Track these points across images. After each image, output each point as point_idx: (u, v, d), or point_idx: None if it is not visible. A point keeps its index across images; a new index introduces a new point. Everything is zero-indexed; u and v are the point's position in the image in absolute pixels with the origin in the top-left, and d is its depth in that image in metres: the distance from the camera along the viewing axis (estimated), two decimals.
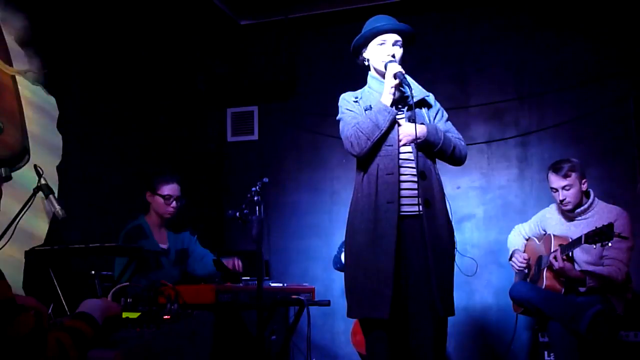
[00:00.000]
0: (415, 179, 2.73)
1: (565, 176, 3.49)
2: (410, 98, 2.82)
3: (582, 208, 3.52)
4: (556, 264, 3.30)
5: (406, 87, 2.71)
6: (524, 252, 3.84)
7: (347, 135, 2.79)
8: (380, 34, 2.83)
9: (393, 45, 2.82)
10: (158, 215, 3.72)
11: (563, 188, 3.50)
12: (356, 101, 2.87)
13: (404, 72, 2.74)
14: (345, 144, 2.80)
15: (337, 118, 2.91)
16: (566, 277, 3.36)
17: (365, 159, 2.79)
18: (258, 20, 5.23)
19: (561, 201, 3.54)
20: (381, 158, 2.74)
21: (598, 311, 3.19)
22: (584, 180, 3.51)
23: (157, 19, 4.59)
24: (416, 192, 2.72)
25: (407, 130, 2.74)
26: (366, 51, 2.90)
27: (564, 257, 3.30)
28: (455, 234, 2.87)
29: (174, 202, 3.70)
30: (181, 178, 3.84)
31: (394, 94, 2.75)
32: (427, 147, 2.77)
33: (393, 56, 2.79)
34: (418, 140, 2.72)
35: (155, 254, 3.50)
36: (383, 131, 2.71)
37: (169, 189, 3.69)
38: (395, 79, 2.72)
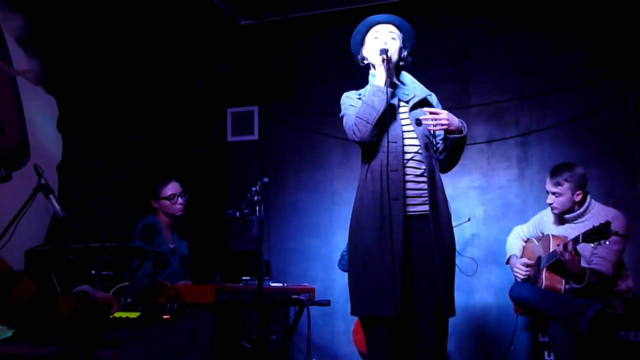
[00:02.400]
0: (419, 178, 2.74)
1: (557, 184, 3.51)
2: (410, 96, 2.83)
3: (572, 215, 3.54)
4: (566, 255, 3.26)
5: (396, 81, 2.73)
6: (523, 254, 3.83)
7: (349, 125, 2.79)
8: (372, 26, 2.87)
9: (387, 35, 2.84)
10: (169, 217, 3.85)
11: (553, 194, 3.53)
12: (359, 98, 2.87)
13: (387, 48, 2.76)
14: (349, 134, 2.80)
15: (340, 115, 2.91)
16: (570, 270, 3.31)
17: (368, 153, 2.79)
18: (258, 20, 5.23)
19: (549, 204, 3.58)
20: (384, 154, 2.73)
21: (598, 311, 3.19)
22: (578, 192, 3.50)
23: (157, 19, 4.59)
24: (420, 191, 2.73)
25: (453, 121, 2.72)
26: (364, 49, 2.92)
27: (573, 250, 3.27)
28: (455, 234, 2.87)
29: (179, 199, 3.84)
30: (180, 177, 3.91)
31: (387, 75, 2.75)
32: (458, 142, 2.76)
33: (385, 44, 2.81)
34: (459, 134, 2.73)
35: (154, 254, 3.51)
36: (380, 112, 2.69)
37: (170, 188, 3.83)
38: (380, 54, 2.74)
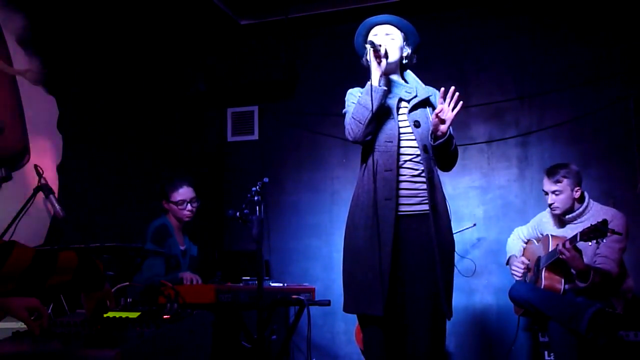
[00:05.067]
0: (416, 178, 2.73)
1: (557, 182, 3.50)
2: (411, 96, 2.82)
3: (573, 214, 3.54)
4: (567, 253, 3.25)
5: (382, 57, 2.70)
6: (523, 255, 3.83)
7: (345, 124, 2.79)
8: (371, 28, 2.87)
9: (384, 37, 2.83)
10: (177, 219, 3.81)
11: (553, 192, 3.52)
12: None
13: (374, 40, 2.74)
14: (346, 133, 2.80)
15: (343, 112, 2.90)
16: (573, 267, 3.30)
17: (366, 152, 2.78)
18: (258, 20, 5.23)
19: (550, 205, 3.57)
20: (380, 154, 2.73)
21: (598, 310, 3.19)
22: (577, 188, 3.51)
23: (157, 19, 4.59)
24: (416, 191, 2.72)
25: (443, 126, 2.67)
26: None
27: (572, 247, 3.26)
28: (458, 237, 2.86)
29: (189, 205, 3.79)
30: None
31: (381, 73, 2.72)
32: (444, 146, 2.73)
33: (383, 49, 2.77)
34: (442, 138, 2.69)
35: (154, 254, 3.51)
36: (373, 111, 2.67)
37: (181, 194, 3.77)
38: (368, 45, 2.72)
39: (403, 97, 2.84)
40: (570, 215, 3.55)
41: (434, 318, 2.64)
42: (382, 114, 2.75)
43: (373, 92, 2.69)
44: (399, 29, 2.88)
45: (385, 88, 2.74)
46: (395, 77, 2.89)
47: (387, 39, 2.83)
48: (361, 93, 2.87)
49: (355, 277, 2.70)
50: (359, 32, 2.90)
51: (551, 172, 3.56)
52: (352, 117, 2.73)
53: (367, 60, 2.88)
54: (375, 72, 2.74)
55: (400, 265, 2.67)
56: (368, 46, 2.74)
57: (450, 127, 2.74)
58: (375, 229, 2.66)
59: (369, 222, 2.69)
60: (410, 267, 2.68)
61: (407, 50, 2.90)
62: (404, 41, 2.88)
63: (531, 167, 4.69)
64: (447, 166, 2.89)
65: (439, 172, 2.87)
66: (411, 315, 2.65)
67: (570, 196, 3.51)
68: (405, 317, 2.66)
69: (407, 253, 2.69)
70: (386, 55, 2.74)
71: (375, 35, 2.85)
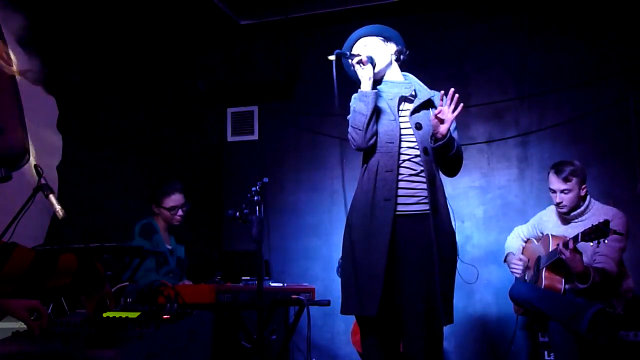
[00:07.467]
0: (414, 178, 2.72)
1: (566, 180, 3.49)
2: (410, 91, 2.82)
3: (577, 211, 3.53)
4: (567, 253, 3.25)
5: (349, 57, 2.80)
6: (523, 254, 3.83)
7: (348, 132, 2.80)
8: (351, 49, 2.90)
9: (363, 48, 2.87)
10: (166, 222, 3.88)
11: (562, 191, 3.51)
12: None
13: (341, 50, 2.83)
14: (350, 143, 2.80)
15: (348, 118, 2.90)
16: (573, 269, 3.29)
17: (367, 153, 2.78)
18: (258, 20, 5.23)
19: (558, 203, 3.55)
20: (381, 154, 2.73)
21: (598, 310, 3.19)
22: (583, 186, 3.51)
23: (157, 19, 4.59)
24: (414, 191, 2.71)
25: (442, 126, 2.66)
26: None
27: (573, 248, 3.25)
28: (455, 235, 2.84)
29: (180, 211, 3.86)
30: (182, 181, 3.93)
31: (370, 78, 2.75)
32: (443, 149, 2.71)
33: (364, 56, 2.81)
34: (441, 140, 2.68)
35: (154, 254, 3.52)
36: (368, 116, 2.69)
37: (172, 200, 3.84)
38: (335, 55, 2.80)
39: (404, 94, 2.82)
40: (573, 213, 3.55)
41: (429, 320, 2.60)
42: (382, 115, 2.75)
43: (364, 97, 2.71)
44: (372, 36, 2.89)
45: (376, 90, 2.76)
46: (393, 78, 2.89)
47: (367, 50, 2.84)
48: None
49: (351, 278, 2.69)
50: (345, 61, 2.89)
51: (559, 170, 3.52)
52: (351, 126, 2.74)
53: (354, 71, 2.86)
54: (365, 79, 2.75)
55: (396, 265, 2.66)
56: (334, 56, 2.79)
57: (456, 131, 2.74)
58: (370, 229, 2.66)
59: (366, 222, 2.68)
60: (406, 268, 2.65)
61: (392, 46, 2.90)
62: (383, 42, 2.89)
63: (531, 167, 4.69)
64: (450, 171, 2.86)
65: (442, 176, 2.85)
66: (408, 317, 2.62)
67: (578, 194, 3.51)
68: (402, 320, 2.64)
69: (403, 253, 2.66)
70: (372, 62, 2.77)
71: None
